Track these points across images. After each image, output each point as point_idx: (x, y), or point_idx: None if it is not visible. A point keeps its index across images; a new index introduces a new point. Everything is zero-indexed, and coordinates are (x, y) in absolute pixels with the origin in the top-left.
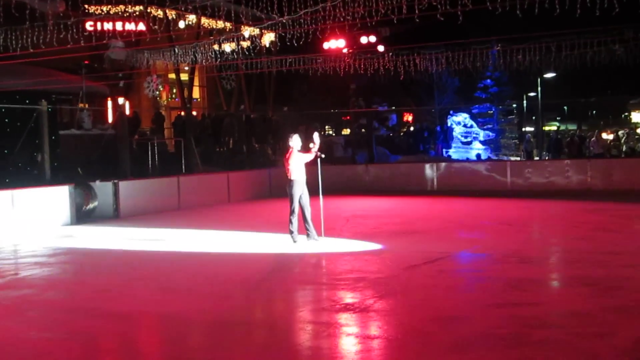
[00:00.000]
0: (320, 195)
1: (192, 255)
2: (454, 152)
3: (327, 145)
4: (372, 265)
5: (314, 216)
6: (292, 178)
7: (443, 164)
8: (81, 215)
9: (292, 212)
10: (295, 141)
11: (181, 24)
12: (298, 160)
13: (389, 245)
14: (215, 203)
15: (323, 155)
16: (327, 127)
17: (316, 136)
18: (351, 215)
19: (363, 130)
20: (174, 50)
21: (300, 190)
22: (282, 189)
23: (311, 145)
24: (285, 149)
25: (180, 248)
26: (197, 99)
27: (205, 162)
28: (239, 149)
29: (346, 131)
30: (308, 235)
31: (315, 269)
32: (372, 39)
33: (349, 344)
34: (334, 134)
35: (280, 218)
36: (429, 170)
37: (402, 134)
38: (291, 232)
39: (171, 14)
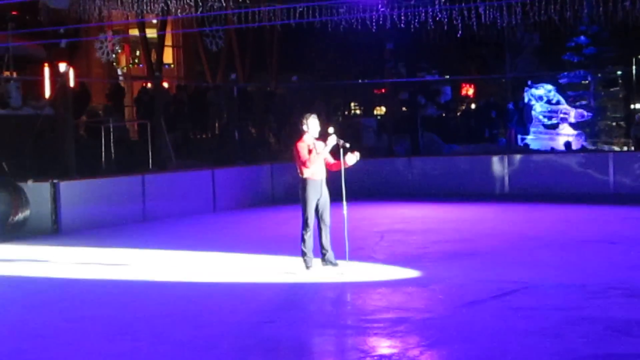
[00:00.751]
0: (344, 202)
1: (164, 287)
2: (533, 140)
3: (353, 130)
4: (416, 301)
5: (335, 231)
6: (305, 177)
7: (518, 157)
8: (6, 230)
9: (304, 225)
10: (311, 125)
11: None
12: (315, 152)
13: (440, 272)
14: (195, 212)
15: (348, 145)
16: (353, 104)
17: (333, 140)
18: (387, 230)
19: (404, 108)
20: None
21: (316, 193)
22: (290, 193)
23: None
24: (295, 136)
25: (148, 277)
26: (169, 65)
27: (182, 154)
28: (229, 136)
29: (380, 110)
30: (324, 258)
31: (337, 307)
32: None
33: None
34: (362, 114)
35: (288, 234)
36: (498, 165)
37: (459, 114)
38: (304, 254)
39: None
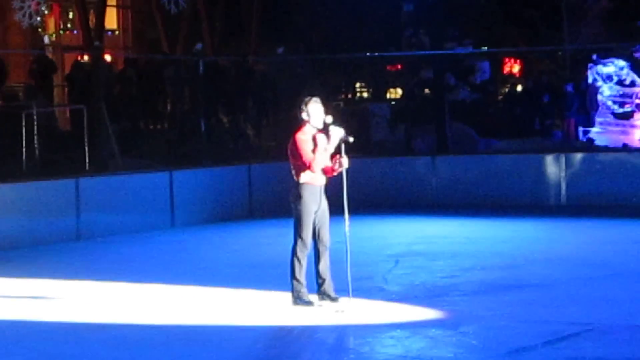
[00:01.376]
0: (346, 216)
1: (103, 330)
2: (599, 134)
3: (358, 119)
4: (442, 348)
5: (334, 255)
6: (302, 181)
7: (578, 156)
8: None
9: (298, 245)
10: (312, 112)
11: None
12: (321, 148)
13: (474, 309)
14: (147, 228)
15: (351, 139)
16: (358, 85)
17: (337, 132)
18: (403, 253)
19: (427, 91)
20: None
21: (315, 204)
22: (274, 203)
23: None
24: (290, 127)
25: (83, 317)
26: (113, 31)
27: (130, 150)
28: (193, 127)
29: (394, 93)
30: (321, 290)
31: (337, 356)
32: None
33: None
34: (370, 98)
35: (272, 259)
36: (553, 166)
37: (501, 98)
38: (295, 286)
39: None
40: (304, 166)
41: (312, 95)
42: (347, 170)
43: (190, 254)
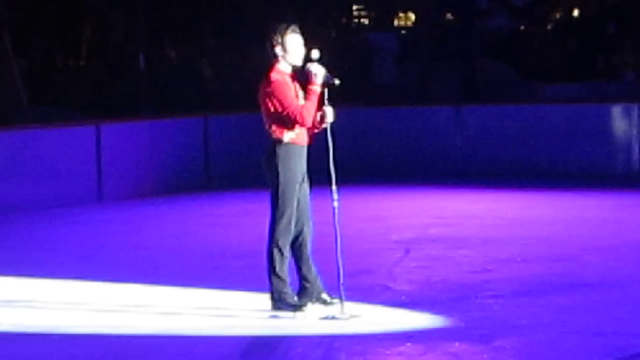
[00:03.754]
0: (333, 187)
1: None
2: None
3: (356, 55)
4: None
5: (321, 242)
6: (286, 140)
7: None
8: None
9: (278, 230)
10: (290, 45)
11: None
12: (308, 92)
13: (511, 315)
14: (67, 203)
15: (337, 82)
16: (356, 8)
17: (319, 71)
18: (416, 239)
19: (449, 16)
20: None
21: (301, 169)
22: (240, 169)
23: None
24: (261, 64)
25: None
26: None
27: (42, 96)
28: (128, 62)
29: (405, 19)
30: (303, 289)
31: None
32: None
33: None
34: (372, 25)
35: (238, 246)
36: (622, 120)
37: (550, 27)
38: (275, 283)
39: None
40: (287, 118)
41: (289, 22)
42: (333, 126)
43: (125, 239)
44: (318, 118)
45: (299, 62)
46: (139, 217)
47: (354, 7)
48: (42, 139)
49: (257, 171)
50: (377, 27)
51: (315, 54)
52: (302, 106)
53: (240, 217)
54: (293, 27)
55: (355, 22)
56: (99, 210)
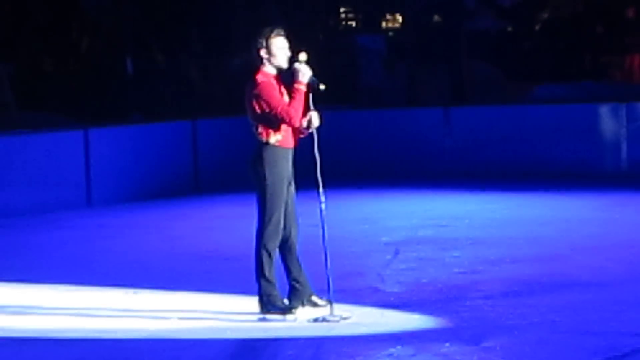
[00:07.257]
0: (320, 189)
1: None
2: None
3: (343, 57)
4: None
5: (309, 245)
6: (272, 142)
7: None
8: None
9: (265, 233)
10: (275, 49)
11: None
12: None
13: (501, 317)
14: (55, 207)
15: (322, 87)
16: (343, 10)
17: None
18: (405, 240)
19: (437, 18)
20: None
21: (287, 172)
22: (229, 174)
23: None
24: (249, 68)
25: None
26: None
27: (30, 100)
28: (116, 67)
29: (393, 21)
30: (294, 291)
31: None
32: None
33: None
34: (360, 27)
35: (227, 250)
36: (609, 121)
37: (537, 28)
38: (263, 286)
39: None
40: (275, 119)
41: (275, 26)
42: (319, 129)
43: (114, 244)
44: (305, 124)
45: (284, 65)
46: (128, 222)
47: (342, 9)
48: (30, 144)
49: (246, 175)
50: (366, 28)
51: (302, 56)
52: (289, 105)
53: (229, 220)
54: (278, 30)
55: (343, 25)
56: (88, 215)
